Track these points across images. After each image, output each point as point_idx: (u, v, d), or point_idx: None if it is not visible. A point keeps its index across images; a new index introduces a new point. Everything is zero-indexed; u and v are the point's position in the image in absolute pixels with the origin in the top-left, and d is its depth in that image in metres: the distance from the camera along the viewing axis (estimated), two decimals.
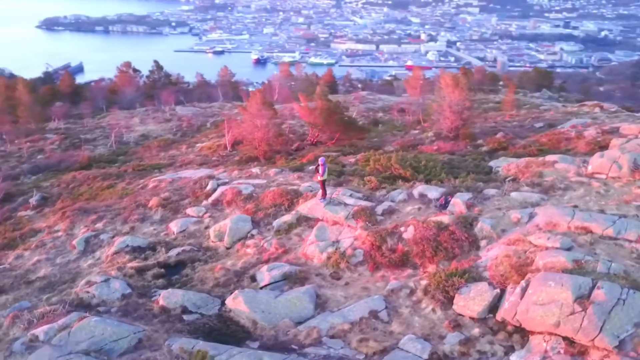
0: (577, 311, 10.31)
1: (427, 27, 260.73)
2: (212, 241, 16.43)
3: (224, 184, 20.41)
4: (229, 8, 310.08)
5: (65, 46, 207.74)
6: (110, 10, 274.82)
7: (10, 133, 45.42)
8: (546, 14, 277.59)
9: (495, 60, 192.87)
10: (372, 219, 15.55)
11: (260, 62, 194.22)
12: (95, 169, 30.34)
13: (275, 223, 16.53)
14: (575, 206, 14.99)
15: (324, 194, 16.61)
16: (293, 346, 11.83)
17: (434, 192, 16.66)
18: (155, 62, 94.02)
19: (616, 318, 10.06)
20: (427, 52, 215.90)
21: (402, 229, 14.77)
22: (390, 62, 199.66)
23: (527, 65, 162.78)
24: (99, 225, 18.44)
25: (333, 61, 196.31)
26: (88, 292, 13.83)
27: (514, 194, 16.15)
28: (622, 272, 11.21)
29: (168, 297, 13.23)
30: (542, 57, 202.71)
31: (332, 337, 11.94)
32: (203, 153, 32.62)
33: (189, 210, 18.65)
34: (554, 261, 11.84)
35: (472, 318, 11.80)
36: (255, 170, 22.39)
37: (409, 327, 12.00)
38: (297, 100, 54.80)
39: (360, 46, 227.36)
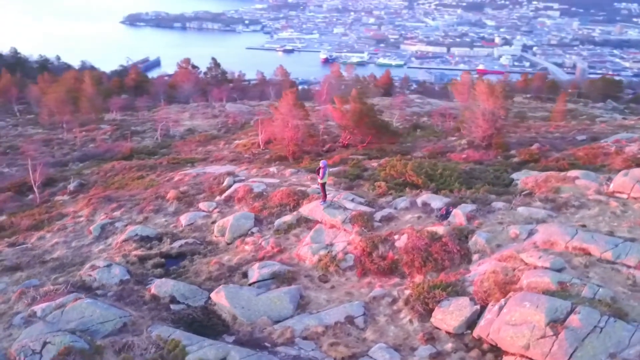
0: (549, 335, 9.86)
1: (502, 30, 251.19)
2: (215, 236, 16.95)
3: (240, 181, 20.95)
4: (301, 7, 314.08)
5: (145, 41, 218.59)
6: (188, 8, 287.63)
7: (69, 122, 48.68)
8: (635, 19, 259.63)
9: (574, 66, 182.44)
10: (368, 224, 15.46)
11: (329, 62, 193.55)
12: (135, 160, 31.97)
13: (276, 222, 16.80)
14: (583, 225, 14.19)
15: (324, 196, 16.68)
16: (266, 344, 12.04)
17: (437, 201, 16.31)
18: (213, 59, 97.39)
19: (590, 346, 9.53)
20: (500, 57, 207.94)
21: (396, 236, 14.60)
22: (461, 66, 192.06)
23: (610, 73, 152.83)
24: (117, 213, 19.51)
25: (402, 62, 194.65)
26: (90, 275, 14.70)
27: (520, 209, 15.51)
28: (609, 299, 10.56)
29: (159, 287, 13.83)
30: (627, 64, 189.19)
31: (305, 338, 12.04)
32: (237, 150, 33.51)
33: (201, 205, 19.32)
34: (537, 281, 11.34)
35: (448, 332, 11.53)
36: (273, 169, 22.80)
37: (383, 335, 11.89)
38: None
39: (430, 48, 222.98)
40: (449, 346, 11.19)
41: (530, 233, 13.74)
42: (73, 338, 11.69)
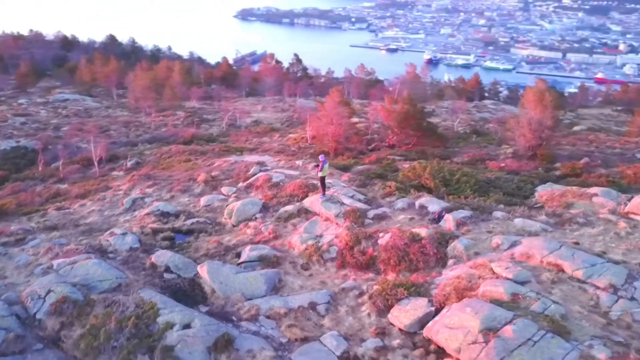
0: (479, 341, 9.89)
1: (628, 36, 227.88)
2: (225, 218, 18.22)
3: (265, 170, 22.14)
4: (409, 6, 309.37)
5: (255, 35, 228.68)
6: (298, 4, 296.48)
7: (150, 107, 53.11)
8: None
9: None
10: (359, 220, 15.88)
11: (432, 63, 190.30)
12: (193, 145, 34.44)
13: (279, 211, 17.73)
14: (577, 243, 13.61)
15: (324, 190, 17.29)
16: (233, 317, 13.05)
17: (435, 205, 16.31)
18: (295, 55, 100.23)
19: (518, 357, 9.46)
20: (623, 65, 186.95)
21: (381, 234, 14.93)
22: (577, 73, 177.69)
23: None
24: (150, 190, 21.51)
25: (510, 67, 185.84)
26: (107, 240, 16.60)
27: (517, 220, 15.12)
28: (558, 316, 10.29)
29: (158, 257, 15.33)
30: None
31: (268, 317, 12.88)
32: (287, 143, 34.85)
33: (223, 189, 20.74)
34: (492, 290, 11.28)
35: (401, 330, 11.80)
36: (298, 162, 23.72)
37: (339, 324, 12.41)
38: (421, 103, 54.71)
39: (543, 53, 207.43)
40: (396, 342, 11.47)
41: (513, 245, 13.45)
42: (72, 290, 13.47)
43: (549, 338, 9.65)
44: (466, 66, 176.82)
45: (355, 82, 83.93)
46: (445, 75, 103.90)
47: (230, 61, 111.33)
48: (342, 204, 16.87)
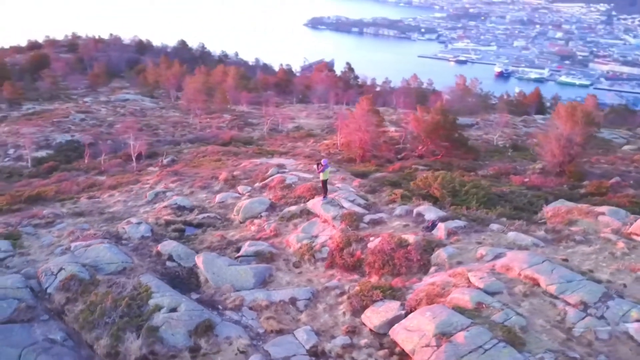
0: (432, 345, 10.14)
1: None
2: (234, 215, 19.16)
3: (282, 172, 22.96)
4: (482, 18, 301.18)
5: (324, 44, 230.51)
6: (368, 14, 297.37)
7: (200, 109, 55.68)
8: None
9: None
10: (354, 224, 16.30)
11: (503, 76, 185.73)
12: (231, 147, 35.95)
13: (284, 211, 18.45)
14: (565, 260, 13.40)
15: (325, 193, 17.81)
16: (219, 306, 13.89)
17: (432, 214, 16.44)
18: (347, 63, 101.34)
19: None
20: None
21: (372, 238, 15.30)
22: None
23: None
24: (173, 185, 22.89)
25: (587, 83, 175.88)
26: (124, 228, 17.97)
27: (511, 234, 15.01)
28: (518, 327, 10.34)
29: (164, 246, 16.45)
30: None
31: (250, 308, 13.60)
32: (319, 148, 35.64)
33: (239, 188, 21.75)
34: (459, 298, 11.44)
35: (371, 330, 12.15)
36: (315, 166, 24.31)
37: (314, 320, 12.94)
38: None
39: (626, 69, 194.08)
40: (364, 341, 11.84)
41: (497, 257, 13.44)
42: (81, 269, 14.83)
43: (501, 347, 9.74)
44: (539, 80, 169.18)
45: (406, 92, 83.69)
46: (516, 89, 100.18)
47: (298, 69, 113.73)
48: (342, 207, 17.36)
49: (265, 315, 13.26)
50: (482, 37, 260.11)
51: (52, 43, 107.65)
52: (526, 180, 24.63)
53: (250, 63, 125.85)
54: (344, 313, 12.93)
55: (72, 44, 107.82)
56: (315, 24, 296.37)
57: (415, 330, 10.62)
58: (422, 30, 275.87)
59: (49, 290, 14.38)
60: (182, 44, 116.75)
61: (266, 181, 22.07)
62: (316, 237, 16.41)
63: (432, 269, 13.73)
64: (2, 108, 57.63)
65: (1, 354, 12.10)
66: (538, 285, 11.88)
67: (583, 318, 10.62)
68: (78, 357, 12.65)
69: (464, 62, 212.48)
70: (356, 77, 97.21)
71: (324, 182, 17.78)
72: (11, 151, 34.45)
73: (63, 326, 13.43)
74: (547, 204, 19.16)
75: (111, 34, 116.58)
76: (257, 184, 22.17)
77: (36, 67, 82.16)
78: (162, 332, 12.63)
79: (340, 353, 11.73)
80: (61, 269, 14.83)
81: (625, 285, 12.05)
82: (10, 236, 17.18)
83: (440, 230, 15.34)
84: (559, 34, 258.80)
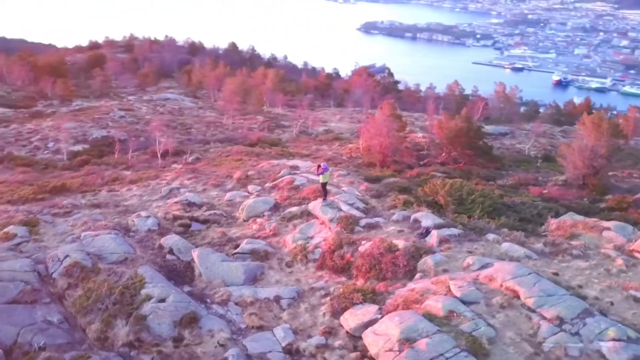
0: (394, 349, 10.18)
1: None
2: (239, 213, 19.62)
3: (294, 174, 23.29)
4: (542, 24, 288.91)
5: (376, 48, 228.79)
6: (422, 19, 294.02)
7: (235, 110, 56.95)
8: None
9: None
10: (349, 227, 16.40)
11: (562, 85, 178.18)
12: (256, 147, 36.66)
13: (285, 211, 18.76)
14: (556, 274, 13.05)
15: (325, 195, 17.97)
16: (207, 299, 14.36)
17: (429, 220, 16.30)
18: (387, 68, 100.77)
19: None
20: None
21: (364, 242, 15.36)
22: None
23: None
24: (188, 182, 23.64)
25: None
26: (133, 221, 18.77)
27: (505, 244, 14.72)
28: (485, 338, 10.21)
29: (166, 240, 17.10)
30: None
31: (236, 304, 14.00)
32: (342, 152, 35.78)
33: (249, 187, 22.23)
34: (432, 305, 11.40)
35: (347, 332, 12.26)
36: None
37: (294, 319, 13.18)
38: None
39: None
40: (338, 343, 11.98)
41: (483, 266, 13.24)
42: (84, 257, 15.66)
43: (462, 357, 9.67)
44: (601, 90, 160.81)
45: (444, 98, 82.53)
46: (575, 99, 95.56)
47: (349, 73, 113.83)
48: (340, 210, 17.49)
49: (248, 312, 13.61)
50: (540, 44, 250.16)
51: (110, 43, 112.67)
52: (545, 191, 23.88)
53: (300, 66, 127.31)
54: (324, 314, 13.10)
55: (129, 45, 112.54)
56: (369, 28, 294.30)
57: (382, 335, 10.67)
58: (478, 36, 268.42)
59: (54, 275, 15.26)
60: (233, 46, 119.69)
61: (276, 182, 22.47)
62: (311, 238, 16.63)
63: (418, 275, 13.67)
64: (53, 104, 60.81)
65: (1, 331, 13.00)
66: (518, 297, 11.65)
67: (556, 333, 10.35)
68: (71, 339, 13.38)
69: (520, 70, 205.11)
70: (396, 82, 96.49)
71: (324, 185, 17.97)
72: (51, 144, 36.53)
73: (62, 309, 14.24)
74: (557, 217, 18.59)
75: (166, 36, 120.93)
76: (267, 184, 22.59)
77: (92, 66, 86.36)
78: (149, 320, 13.20)
79: (314, 352, 11.91)
80: (67, 256, 15.71)
81: (612, 303, 11.63)
82: (28, 223, 18.30)
83: (433, 238, 15.22)
84: (625, 42, 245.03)
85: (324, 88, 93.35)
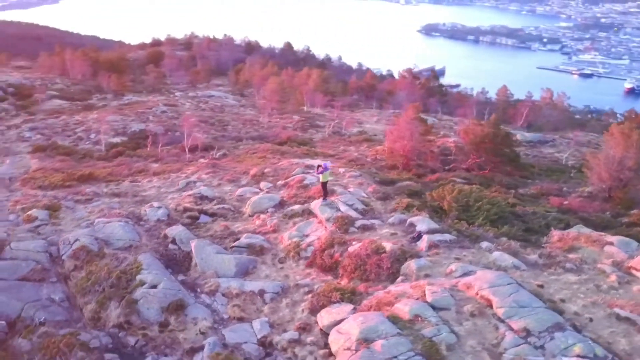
0: (352, 348, 10.36)
1: None
2: (245, 208, 20.18)
3: (307, 172, 23.60)
4: (615, 29, 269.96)
5: (437, 50, 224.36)
6: (485, 21, 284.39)
7: (273, 109, 57.97)
8: None
9: None
10: (343, 227, 16.55)
11: (635, 92, 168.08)
12: (284, 146, 37.29)
13: (288, 209, 19.12)
14: (541, 286, 12.73)
15: (325, 195, 18.16)
16: (197, 289, 14.98)
17: (424, 225, 16.19)
18: (433, 71, 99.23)
19: None
20: None
21: (354, 243, 15.50)
22: None
23: None
24: (206, 176, 24.45)
25: None
26: (145, 210, 19.72)
27: (495, 253, 14.45)
28: (443, 344, 10.20)
29: (171, 230, 17.86)
30: None
31: (223, 295, 14.53)
32: (368, 154, 35.75)
33: (261, 184, 22.76)
34: (400, 308, 11.49)
35: (321, 329, 12.49)
36: (342, 169, 24.65)
37: (274, 313, 13.55)
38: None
39: None
40: (310, 339, 12.26)
41: (466, 274, 13.09)
42: (92, 242, 16.68)
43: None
44: None
45: (494, 104, 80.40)
46: None
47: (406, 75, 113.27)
48: (338, 210, 17.67)
49: (232, 303, 14.11)
50: (612, 49, 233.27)
51: (171, 41, 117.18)
52: (565, 202, 23.00)
53: (354, 67, 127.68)
54: (302, 310, 13.39)
55: (188, 43, 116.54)
56: (430, 30, 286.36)
57: (344, 333, 10.84)
58: (544, 40, 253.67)
59: (63, 257, 16.36)
60: (288, 46, 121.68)
61: (288, 180, 22.89)
62: (307, 236, 16.92)
63: (400, 278, 13.69)
64: (107, 98, 64.06)
65: (7, 305, 14.11)
66: (491, 306, 11.48)
67: (519, 345, 10.16)
68: (69, 317, 14.36)
69: (589, 76, 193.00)
70: (441, 85, 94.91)
71: (324, 184, 18.20)
72: (92, 136, 38.61)
73: (65, 289, 15.28)
74: (566, 229, 17.96)
75: (225, 34, 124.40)
76: (279, 182, 23.06)
77: (150, 62, 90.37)
78: (139, 305, 13.96)
79: (285, 347, 12.25)
80: (77, 239, 16.78)
81: (591, 320, 11.26)
82: (50, 207, 19.63)
83: (424, 242, 15.14)
84: None
85: (368, 89, 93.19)
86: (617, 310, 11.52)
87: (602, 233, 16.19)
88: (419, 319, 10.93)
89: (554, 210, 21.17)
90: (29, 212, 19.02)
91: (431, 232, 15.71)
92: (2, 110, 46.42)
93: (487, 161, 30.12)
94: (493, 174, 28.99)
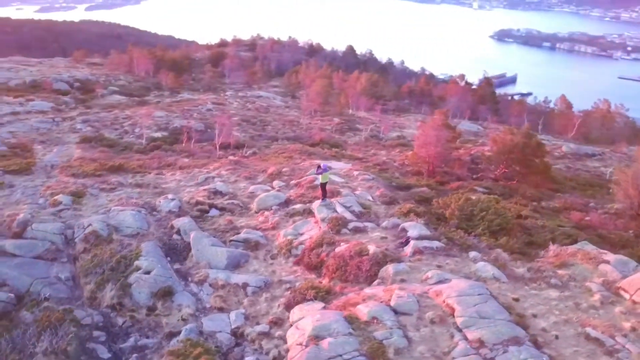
0: (303, 344, 10.72)
1: None
2: (252, 205, 20.85)
3: (320, 173, 23.95)
4: None
5: (509, 57, 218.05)
6: (564, 27, 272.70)
7: (315, 110, 58.69)
8: None
9: None
10: (336, 228, 16.79)
11: None
12: (315, 148, 37.85)
13: (290, 207, 19.57)
14: (516, 299, 12.46)
15: (323, 195, 18.43)
16: (189, 278, 15.76)
17: (415, 230, 16.14)
18: (486, 78, 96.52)
19: None
20: None
21: (342, 244, 15.73)
22: None
23: None
24: (225, 173, 25.35)
25: None
26: (160, 202, 20.85)
27: (480, 264, 14.21)
28: (392, 347, 10.39)
29: (177, 221, 18.80)
30: None
31: (210, 285, 15.23)
32: (397, 158, 35.55)
33: (274, 182, 23.35)
34: (360, 309, 11.71)
35: (291, 324, 12.85)
36: (356, 172, 24.74)
37: (252, 306, 14.10)
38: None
39: None
40: (278, 333, 12.67)
41: (440, 281, 13.03)
42: (103, 227, 17.91)
43: (358, 359, 9.86)
44: None
45: (550, 114, 77.26)
46: None
47: (476, 81, 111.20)
48: (334, 211, 17.92)
49: (217, 293, 14.76)
50: None
51: (237, 42, 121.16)
52: (587, 218, 21.96)
53: (416, 71, 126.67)
54: (279, 305, 13.79)
55: (253, 44, 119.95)
56: (502, 36, 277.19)
57: (301, 329, 11.18)
58: (629, 48, 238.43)
59: (76, 240, 17.69)
60: (350, 49, 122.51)
61: (301, 179, 23.36)
62: (302, 235, 17.31)
63: (376, 281, 13.80)
64: (163, 95, 67.30)
65: (18, 280, 15.46)
66: (453, 315, 11.39)
67: (468, 355, 10.08)
68: (71, 295, 15.56)
69: None
70: (493, 93, 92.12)
71: (323, 185, 18.50)
72: (137, 130, 40.88)
73: (73, 269, 16.52)
74: (572, 244, 17.27)
75: (289, 37, 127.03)
76: (292, 181, 23.58)
77: (212, 62, 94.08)
78: (132, 289, 14.93)
79: (254, 338, 12.74)
80: (90, 224, 18.09)
81: (557, 337, 10.95)
82: (75, 194, 21.17)
83: (410, 247, 15.13)
84: None
85: (420, 94, 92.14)
86: (588, 329, 11.11)
87: (604, 251, 15.45)
88: (375, 321, 11.06)
89: (569, 225, 20.34)
90: (55, 197, 20.61)
91: (421, 238, 15.66)
92: (63, 103, 49.76)
93: (515, 172, 29.19)
94: (519, 185, 28.06)
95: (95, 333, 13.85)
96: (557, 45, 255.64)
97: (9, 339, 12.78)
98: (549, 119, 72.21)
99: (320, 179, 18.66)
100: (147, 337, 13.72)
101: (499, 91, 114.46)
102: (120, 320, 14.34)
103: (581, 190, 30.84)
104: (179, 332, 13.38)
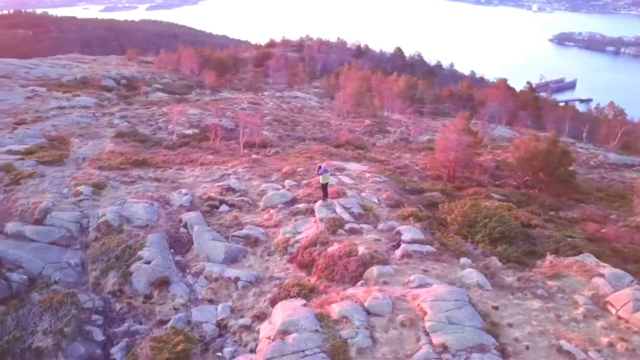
0: (271, 337, 11.07)
1: None
2: (260, 202, 21.38)
3: (333, 174, 24.17)
4: None
5: (569, 62, 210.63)
6: (630, 31, 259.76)
7: (347, 112, 58.89)
8: None
9: None
10: (332, 228, 17.03)
11: None
12: (340, 149, 38.10)
13: (293, 206, 19.95)
14: (496, 308, 12.37)
15: (324, 196, 18.66)
16: (187, 269, 16.45)
17: (410, 234, 16.17)
18: (528, 83, 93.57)
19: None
20: None
21: (335, 244, 15.98)
22: None
23: None
24: (241, 170, 26.01)
25: None
26: (174, 196, 21.73)
27: (466, 270, 14.12)
28: (355, 347, 10.65)
29: (185, 215, 19.60)
30: None
31: (205, 277, 15.85)
32: (420, 162, 35.27)
33: (285, 181, 23.80)
34: (333, 308, 12.01)
35: (271, 322, 13.25)
36: (369, 175, 24.77)
37: (239, 299, 14.62)
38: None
39: None
40: (258, 327, 13.06)
41: (421, 285, 13.09)
42: (115, 218, 18.91)
43: (319, 357, 10.17)
44: None
45: (596, 121, 74.21)
46: None
47: (533, 86, 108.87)
48: (334, 211, 18.15)
49: (210, 285, 15.38)
50: None
51: (285, 43, 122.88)
52: (603, 230, 21.16)
53: (466, 74, 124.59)
54: (265, 300, 14.24)
55: (300, 45, 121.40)
56: (562, 40, 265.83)
57: (272, 324, 11.55)
58: None
59: (89, 229, 18.78)
60: (398, 51, 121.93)
61: (312, 179, 23.70)
62: (300, 233, 17.67)
63: (360, 282, 13.98)
64: (205, 93, 69.32)
65: (32, 263, 16.63)
66: (423, 319, 11.46)
67: (429, 359, 10.12)
68: (79, 279, 16.60)
69: None
70: (536, 98, 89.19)
71: (324, 186, 18.77)
72: (170, 126, 42.47)
73: (83, 256, 17.60)
74: (575, 255, 16.81)
75: (338, 38, 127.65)
76: (304, 181, 23.96)
77: (257, 62, 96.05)
78: (132, 277, 15.78)
79: (236, 331, 13.29)
80: (103, 215, 19.15)
81: (527, 348, 10.83)
82: (97, 185, 22.39)
83: (400, 250, 15.20)
84: None
85: (460, 98, 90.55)
86: (562, 342, 10.92)
87: (604, 264, 14.95)
88: (344, 320, 11.28)
89: (580, 237, 19.73)
90: (77, 187, 21.88)
91: (413, 242, 15.71)
92: (106, 99, 52.20)
93: (537, 180, 28.41)
94: (539, 193, 27.29)
95: (94, 317, 14.77)
96: (622, 49, 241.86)
97: (15, 317, 13.85)
98: (595, 126, 69.32)
99: (320, 180, 18.95)
100: (140, 324, 14.52)
101: (557, 97, 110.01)
102: (118, 306, 15.22)
103: (609, 201, 29.59)
104: (168, 321, 14.08)
